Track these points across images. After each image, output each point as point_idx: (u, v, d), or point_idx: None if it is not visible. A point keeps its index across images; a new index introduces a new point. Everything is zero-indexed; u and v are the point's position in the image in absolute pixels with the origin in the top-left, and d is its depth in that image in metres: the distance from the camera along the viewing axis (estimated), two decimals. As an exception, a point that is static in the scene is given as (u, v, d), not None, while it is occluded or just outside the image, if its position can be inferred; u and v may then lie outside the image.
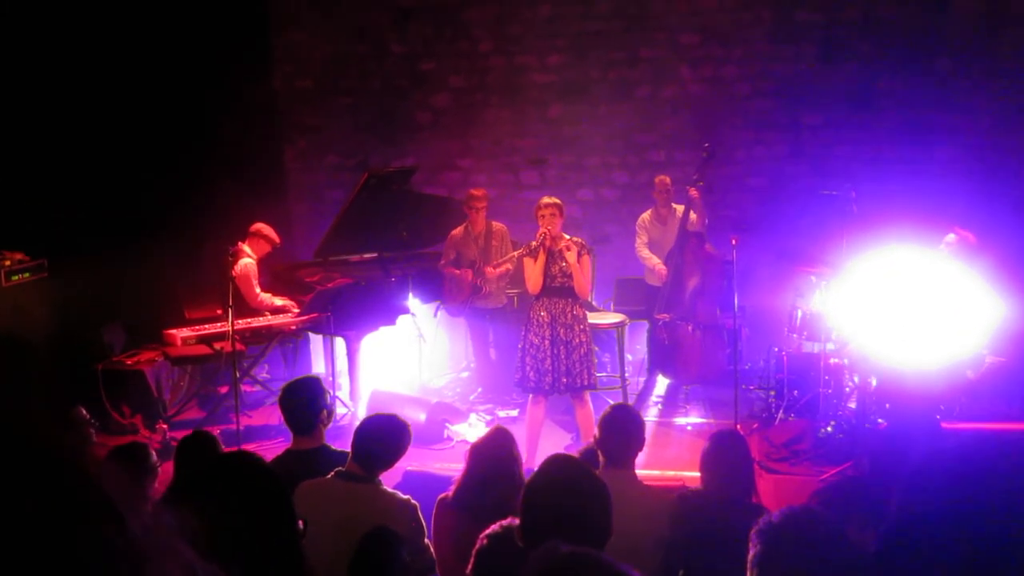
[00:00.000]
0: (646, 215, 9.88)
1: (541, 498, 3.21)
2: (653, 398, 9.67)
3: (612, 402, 5.92)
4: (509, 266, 9.19)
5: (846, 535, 2.86)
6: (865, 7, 10.48)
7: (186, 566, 1.27)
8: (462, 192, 10.70)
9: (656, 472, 7.29)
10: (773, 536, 2.87)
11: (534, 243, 7.60)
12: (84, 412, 6.66)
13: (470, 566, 3.69)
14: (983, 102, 10.35)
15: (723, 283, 9.05)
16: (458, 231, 9.62)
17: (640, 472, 5.15)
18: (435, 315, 10.00)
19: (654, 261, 9.62)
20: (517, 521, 3.36)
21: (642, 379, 9.97)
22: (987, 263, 8.06)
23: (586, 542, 2.38)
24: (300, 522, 2.60)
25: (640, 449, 5.00)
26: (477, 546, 3.65)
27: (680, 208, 9.63)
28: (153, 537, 1.22)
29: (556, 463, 3.44)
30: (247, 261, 9.01)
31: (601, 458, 4.88)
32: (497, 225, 9.61)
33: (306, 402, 5.42)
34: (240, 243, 9.04)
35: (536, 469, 3.38)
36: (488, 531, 3.66)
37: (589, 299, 8.69)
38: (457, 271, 9.49)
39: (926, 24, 10.37)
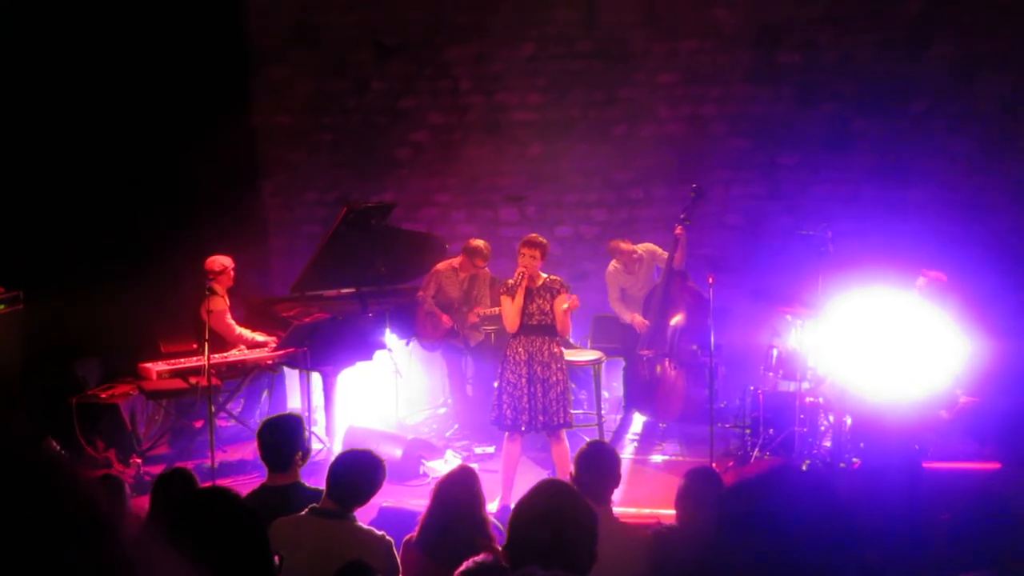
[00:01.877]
0: (613, 267, 9.88)
1: (527, 522, 3.21)
2: (629, 435, 9.67)
3: (588, 439, 5.92)
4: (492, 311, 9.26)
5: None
6: (842, 50, 10.59)
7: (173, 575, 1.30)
8: (440, 228, 10.76)
9: (632, 509, 7.30)
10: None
11: (511, 281, 7.62)
12: (55, 444, 6.61)
13: None
14: (957, 144, 10.48)
15: (706, 321, 9.08)
16: (444, 266, 9.64)
17: (615, 509, 5.15)
18: (407, 345, 9.97)
19: (631, 315, 9.63)
20: (490, 557, 3.35)
21: (618, 416, 9.97)
22: (959, 303, 8.13)
23: (569, 568, 2.38)
24: (276, 557, 2.60)
25: (616, 485, 5.00)
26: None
27: (643, 247, 9.70)
28: (141, 547, 1.25)
29: (545, 488, 3.44)
30: (215, 297, 8.94)
31: (577, 495, 4.87)
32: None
33: (285, 439, 5.42)
34: (209, 278, 8.96)
35: (526, 493, 3.37)
36: (462, 568, 3.64)
37: (567, 337, 8.71)
38: (438, 311, 9.50)
39: (902, 67, 10.49)
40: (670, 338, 9.31)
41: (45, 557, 1.16)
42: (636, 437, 9.63)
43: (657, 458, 9.08)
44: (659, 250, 9.67)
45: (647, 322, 9.44)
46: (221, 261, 9.11)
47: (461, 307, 9.55)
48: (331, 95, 11.46)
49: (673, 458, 9.02)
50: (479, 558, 3.57)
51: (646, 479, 8.55)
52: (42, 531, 1.17)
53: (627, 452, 9.16)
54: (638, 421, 9.87)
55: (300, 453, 5.44)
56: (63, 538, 1.18)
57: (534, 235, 7.77)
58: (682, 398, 9.25)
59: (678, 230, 9.24)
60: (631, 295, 9.79)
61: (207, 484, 6.50)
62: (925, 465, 7.53)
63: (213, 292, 8.77)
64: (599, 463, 4.93)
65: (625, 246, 9.67)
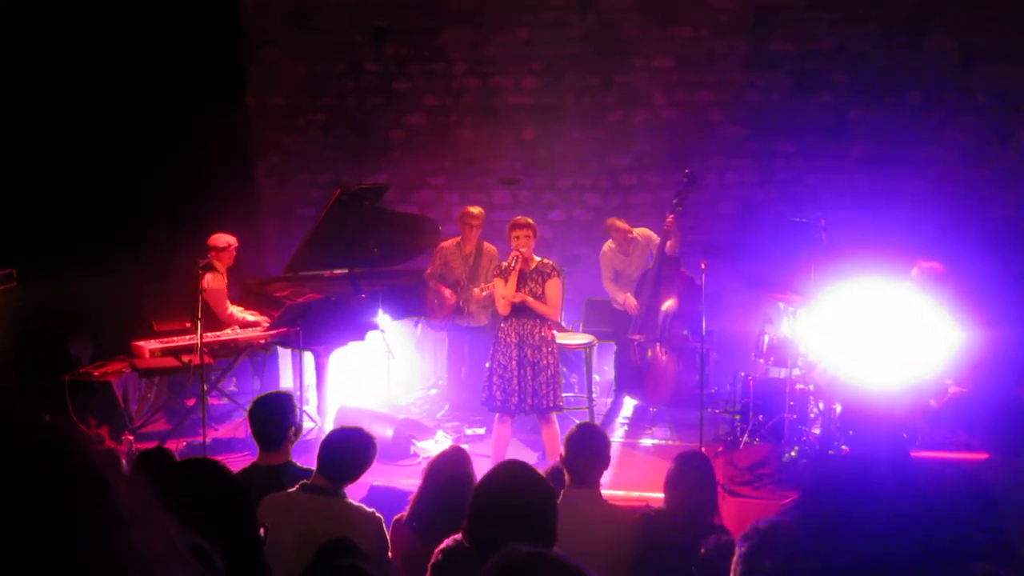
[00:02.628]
0: (608, 247, 9.87)
1: (488, 500, 3.24)
2: (619, 419, 9.70)
3: (579, 422, 5.94)
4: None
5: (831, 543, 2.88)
6: (839, 39, 10.59)
7: (166, 534, 1.32)
8: (434, 210, 10.77)
9: (621, 492, 7.31)
10: (762, 536, 2.89)
11: (505, 264, 7.64)
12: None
13: None
14: (952, 135, 10.49)
15: (697, 307, 9.10)
16: (449, 244, 9.68)
17: (605, 492, 5.17)
18: (416, 326, 10.04)
19: (624, 296, 9.61)
20: None
21: (609, 400, 10.00)
22: (952, 293, 8.16)
23: (531, 544, 2.40)
24: (262, 529, 2.61)
25: (605, 468, 5.01)
26: (432, 560, 3.65)
27: (638, 231, 9.69)
28: (137, 506, 1.27)
29: (505, 468, 3.47)
30: (215, 275, 8.96)
31: (567, 477, 4.89)
32: (488, 246, 9.64)
33: (276, 417, 5.41)
34: (210, 255, 8.98)
35: (485, 474, 3.41)
36: (443, 545, 3.67)
37: (559, 320, 8.72)
38: (442, 288, 9.52)
39: (899, 57, 10.50)
40: (661, 323, 9.33)
41: (50, 517, 1.18)
42: (626, 421, 9.66)
43: (647, 442, 9.12)
44: (654, 235, 9.66)
45: (636, 303, 9.45)
46: (225, 238, 9.13)
47: (468, 284, 9.54)
48: (326, 77, 11.44)
49: (663, 442, 9.05)
50: (459, 535, 3.60)
51: (635, 462, 8.58)
52: (45, 490, 1.19)
53: (617, 435, 9.19)
54: (628, 405, 9.90)
55: (292, 429, 5.44)
56: (67, 498, 1.20)
57: (520, 216, 7.80)
58: (673, 383, 9.28)
59: (669, 219, 9.24)
60: (625, 276, 9.77)
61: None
62: (913, 454, 7.55)
63: (213, 269, 8.80)
64: (589, 446, 4.95)
65: (621, 224, 9.66)
